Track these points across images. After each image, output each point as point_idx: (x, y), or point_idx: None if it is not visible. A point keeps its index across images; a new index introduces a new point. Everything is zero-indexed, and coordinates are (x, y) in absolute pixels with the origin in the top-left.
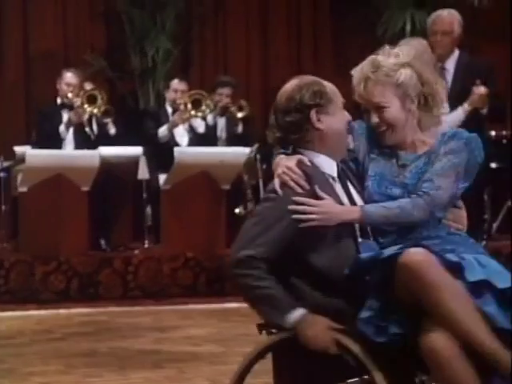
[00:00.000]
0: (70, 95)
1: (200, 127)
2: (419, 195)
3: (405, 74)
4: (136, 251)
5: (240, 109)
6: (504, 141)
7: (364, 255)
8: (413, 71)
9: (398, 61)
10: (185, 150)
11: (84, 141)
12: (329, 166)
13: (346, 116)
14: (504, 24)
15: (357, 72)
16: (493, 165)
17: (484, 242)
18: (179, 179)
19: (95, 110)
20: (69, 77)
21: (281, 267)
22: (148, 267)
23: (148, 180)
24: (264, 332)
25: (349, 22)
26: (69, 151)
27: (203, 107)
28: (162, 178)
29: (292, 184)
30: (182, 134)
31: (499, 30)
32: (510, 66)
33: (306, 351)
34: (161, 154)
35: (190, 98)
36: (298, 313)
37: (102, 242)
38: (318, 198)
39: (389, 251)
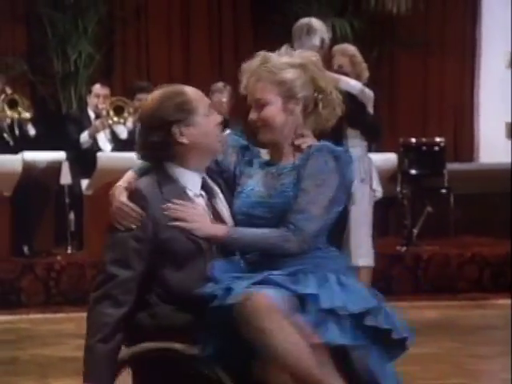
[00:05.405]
0: None
1: (122, 133)
2: (290, 229)
3: (292, 74)
4: (58, 257)
5: None
6: (423, 148)
7: (214, 286)
8: (305, 73)
9: (289, 60)
10: (107, 156)
11: (5, 146)
12: (192, 182)
13: (216, 118)
14: (421, 32)
15: (245, 65)
16: (412, 171)
17: (405, 248)
18: (101, 184)
19: (16, 115)
20: None
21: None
22: (71, 273)
23: (70, 185)
24: None
25: (270, 27)
26: None
27: (125, 114)
28: (85, 183)
29: (124, 223)
30: (104, 140)
31: (417, 37)
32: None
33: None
34: (84, 159)
35: (111, 105)
36: None
37: (25, 247)
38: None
39: (237, 288)
